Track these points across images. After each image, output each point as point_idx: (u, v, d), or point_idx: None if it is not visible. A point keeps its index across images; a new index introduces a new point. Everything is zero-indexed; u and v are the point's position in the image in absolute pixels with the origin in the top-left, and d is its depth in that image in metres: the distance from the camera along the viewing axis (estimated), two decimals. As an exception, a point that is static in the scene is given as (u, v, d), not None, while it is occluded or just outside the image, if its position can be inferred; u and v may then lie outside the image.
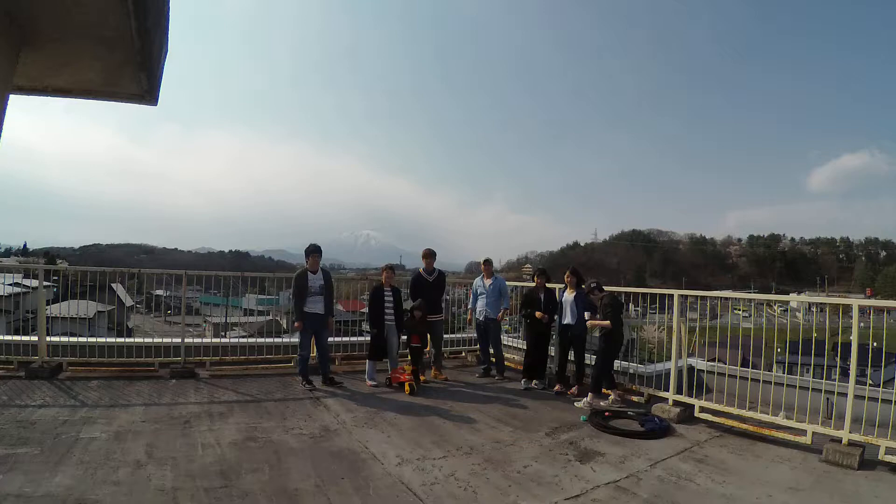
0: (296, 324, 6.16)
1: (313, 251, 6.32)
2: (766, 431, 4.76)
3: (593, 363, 6.18)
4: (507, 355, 7.59)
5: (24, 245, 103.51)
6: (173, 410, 4.89)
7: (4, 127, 1.70)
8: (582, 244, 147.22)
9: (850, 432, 4.21)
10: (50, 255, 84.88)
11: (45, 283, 6.60)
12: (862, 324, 4.62)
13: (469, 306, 7.78)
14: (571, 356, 6.62)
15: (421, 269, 7.33)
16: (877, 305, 5.44)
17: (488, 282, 7.37)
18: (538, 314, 6.61)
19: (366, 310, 7.15)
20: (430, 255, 7.35)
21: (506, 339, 8.06)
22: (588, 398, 5.78)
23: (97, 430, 4.22)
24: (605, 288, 6.15)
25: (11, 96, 1.80)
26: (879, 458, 4.02)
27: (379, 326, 6.54)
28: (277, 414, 4.95)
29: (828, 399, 4.84)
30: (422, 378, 6.54)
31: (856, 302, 4.56)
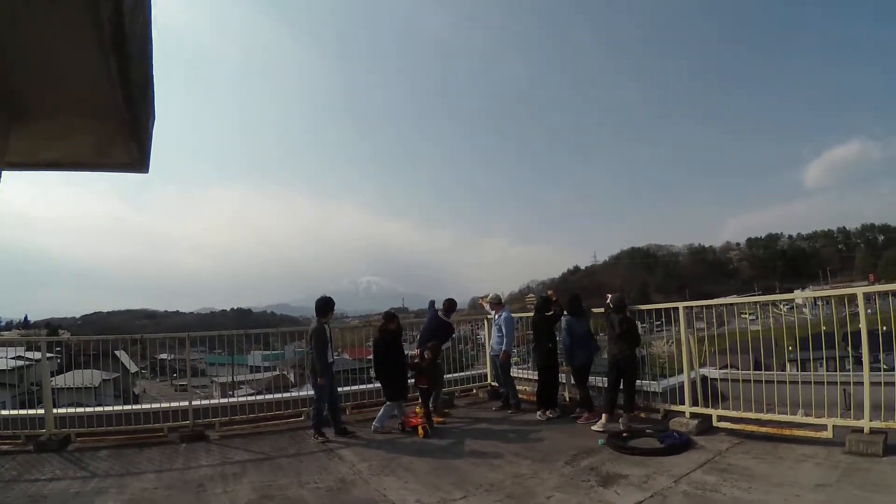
0: (319, 381, 5.96)
1: (333, 306, 6.47)
2: (786, 432, 4.71)
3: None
4: (520, 387, 7.48)
5: (26, 317, 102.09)
6: (186, 475, 4.79)
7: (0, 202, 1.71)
8: (582, 268, 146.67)
9: (870, 420, 4.16)
10: (52, 325, 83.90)
11: (49, 355, 6.57)
12: (869, 310, 4.62)
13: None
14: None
15: (439, 312, 7.43)
16: (881, 290, 5.22)
17: (496, 317, 7.56)
18: None
19: (372, 356, 7.14)
20: (454, 307, 7.65)
21: (516, 371, 8.00)
22: (602, 420, 5.71)
23: (109, 499, 4.14)
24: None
25: (4, 172, 1.80)
26: (903, 441, 3.97)
27: (382, 366, 6.54)
28: (292, 470, 4.85)
29: (844, 390, 4.78)
30: (435, 419, 6.44)
31: (860, 290, 4.58)
